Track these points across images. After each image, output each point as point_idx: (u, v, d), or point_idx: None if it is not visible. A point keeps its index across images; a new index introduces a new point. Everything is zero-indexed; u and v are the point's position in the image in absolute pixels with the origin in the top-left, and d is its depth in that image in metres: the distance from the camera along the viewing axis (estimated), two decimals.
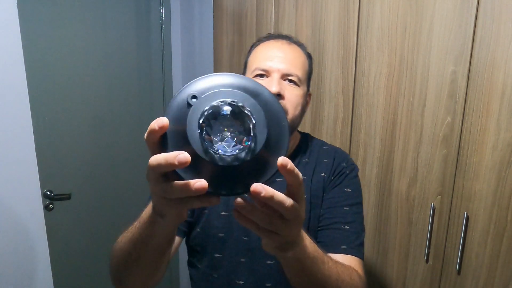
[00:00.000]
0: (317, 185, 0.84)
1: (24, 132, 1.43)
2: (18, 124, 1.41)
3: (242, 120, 0.37)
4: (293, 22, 1.36)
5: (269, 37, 0.89)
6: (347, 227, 0.78)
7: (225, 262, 0.84)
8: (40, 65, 1.56)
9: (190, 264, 0.93)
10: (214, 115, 0.37)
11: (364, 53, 1.17)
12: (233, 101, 0.37)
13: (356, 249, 0.77)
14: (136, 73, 1.94)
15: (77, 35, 1.67)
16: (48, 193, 1.63)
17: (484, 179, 0.95)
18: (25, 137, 1.43)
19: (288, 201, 0.39)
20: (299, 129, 0.90)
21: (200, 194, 0.36)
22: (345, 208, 0.81)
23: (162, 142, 0.38)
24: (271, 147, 0.39)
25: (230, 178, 0.38)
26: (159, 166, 0.36)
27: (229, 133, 0.37)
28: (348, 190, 0.83)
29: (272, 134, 0.39)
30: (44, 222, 1.53)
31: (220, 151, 0.36)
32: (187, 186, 0.35)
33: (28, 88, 1.42)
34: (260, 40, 0.89)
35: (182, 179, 0.37)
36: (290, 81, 0.81)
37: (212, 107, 0.37)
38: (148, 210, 0.50)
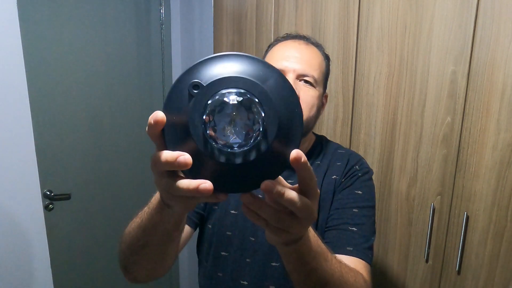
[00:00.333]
0: (327, 188, 0.82)
1: (24, 132, 1.42)
2: (18, 124, 1.41)
3: (249, 111, 0.33)
4: (293, 22, 1.36)
5: (287, 37, 0.88)
6: (355, 229, 0.75)
7: (231, 261, 0.84)
8: (40, 65, 1.56)
9: (199, 261, 0.93)
10: (218, 107, 0.33)
11: (364, 53, 1.17)
12: (239, 90, 0.33)
13: (363, 252, 0.73)
14: (136, 73, 1.94)
15: (77, 35, 1.67)
16: (48, 193, 1.63)
17: (484, 179, 0.95)
18: (25, 137, 1.43)
19: (300, 199, 0.36)
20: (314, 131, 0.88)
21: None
22: (354, 210, 0.78)
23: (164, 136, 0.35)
24: (283, 139, 0.35)
25: (237, 175, 0.35)
26: (160, 164, 0.35)
27: (235, 128, 0.33)
28: (359, 192, 0.81)
29: (284, 124, 0.35)
30: (44, 222, 1.53)
31: (226, 148, 0.33)
32: (191, 186, 0.34)
33: (28, 88, 1.41)
34: (277, 40, 0.88)
35: (187, 174, 0.35)
36: (306, 81, 0.80)
37: (216, 98, 0.33)
38: (157, 196, 0.48)
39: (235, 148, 0.33)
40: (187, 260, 2.27)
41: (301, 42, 0.85)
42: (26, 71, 1.40)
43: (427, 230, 1.07)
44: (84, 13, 1.68)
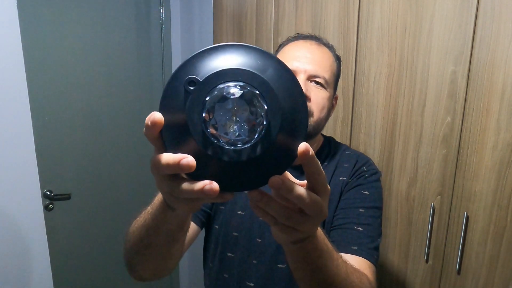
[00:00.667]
0: (335, 189, 0.81)
1: (24, 132, 1.42)
2: (18, 124, 1.41)
3: (251, 105, 0.31)
4: (293, 22, 1.36)
5: (298, 37, 0.87)
6: (361, 229, 0.74)
7: (237, 262, 0.83)
8: (40, 65, 1.56)
9: (204, 263, 0.93)
10: (218, 103, 0.31)
11: (364, 53, 1.17)
12: (238, 83, 0.32)
13: (368, 252, 0.71)
14: (136, 73, 1.94)
15: (77, 35, 1.67)
16: (48, 193, 1.63)
17: (484, 179, 0.95)
18: (25, 137, 1.43)
19: (309, 195, 0.35)
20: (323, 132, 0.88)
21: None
22: (360, 210, 0.77)
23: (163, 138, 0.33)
24: (289, 131, 0.33)
25: (243, 173, 0.33)
26: (161, 168, 0.33)
27: (237, 123, 0.31)
28: (366, 192, 0.80)
29: (288, 115, 0.33)
30: (44, 222, 1.53)
31: (229, 145, 0.32)
32: (196, 188, 0.32)
33: (28, 88, 1.42)
34: (288, 40, 0.87)
35: (190, 175, 0.33)
36: (317, 82, 0.79)
37: (214, 94, 0.31)
38: (159, 196, 0.47)
39: (239, 145, 0.32)
40: (187, 260, 2.27)
41: (313, 42, 0.84)
42: (26, 71, 1.40)
43: (427, 230, 1.07)
44: (84, 13, 1.68)
